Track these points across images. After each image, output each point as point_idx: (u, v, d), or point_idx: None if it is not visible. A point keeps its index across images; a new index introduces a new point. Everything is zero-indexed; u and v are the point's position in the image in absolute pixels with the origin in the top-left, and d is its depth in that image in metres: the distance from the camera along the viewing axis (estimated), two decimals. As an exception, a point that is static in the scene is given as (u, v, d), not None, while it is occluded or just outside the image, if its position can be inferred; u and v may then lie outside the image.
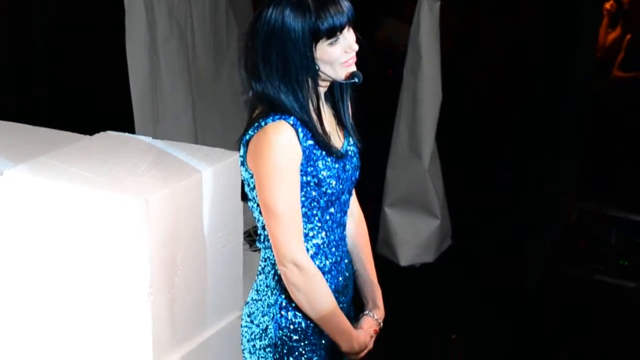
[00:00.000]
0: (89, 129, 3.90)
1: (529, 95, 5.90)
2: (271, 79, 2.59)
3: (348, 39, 2.62)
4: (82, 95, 6.39)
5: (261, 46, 2.58)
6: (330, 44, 2.58)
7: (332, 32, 2.57)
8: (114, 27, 5.40)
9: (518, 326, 5.17)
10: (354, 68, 2.67)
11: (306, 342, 2.73)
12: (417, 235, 5.78)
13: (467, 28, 7.74)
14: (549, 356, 4.97)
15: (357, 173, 2.82)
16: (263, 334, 2.73)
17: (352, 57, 2.65)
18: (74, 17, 6.37)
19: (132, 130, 5.14)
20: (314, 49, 2.58)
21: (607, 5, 6.94)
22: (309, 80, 2.61)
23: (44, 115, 5.84)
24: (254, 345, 2.76)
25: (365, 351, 2.84)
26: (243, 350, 2.82)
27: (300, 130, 2.59)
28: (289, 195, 2.59)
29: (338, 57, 2.61)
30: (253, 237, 4.94)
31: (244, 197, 2.73)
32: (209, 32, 5.99)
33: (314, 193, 2.66)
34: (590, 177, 5.95)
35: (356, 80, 2.68)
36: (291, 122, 2.58)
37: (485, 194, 6.41)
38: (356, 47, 2.64)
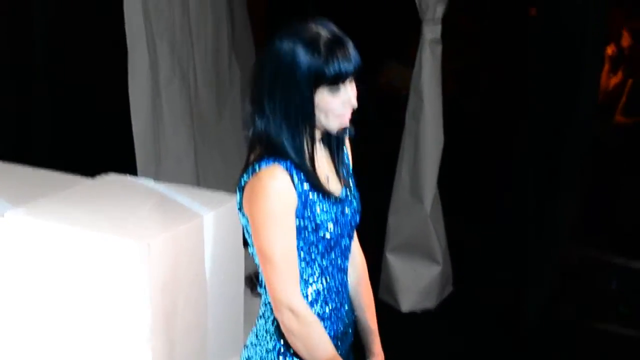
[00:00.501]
0: (91, 171, 3.91)
1: (529, 139, 5.91)
2: (274, 115, 2.56)
3: (349, 93, 2.59)
4: (84, 137, 6.39)
5: (268, 78, 2.56)
6: (331, 91, 2.55)
7: (336, 80, 2.54)
8: (116, 68, 5.40)
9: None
10: (347, 124, 2.64)
11: (301, 388, 2.71)
12: (419, 281, 5.76)
13: (469, 71, 7.78)
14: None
15: (358, 217, 2.80)
16: (261, 379, 2.72)
17: (348, 113, 2.62)
18: (77, 55, 6.39)
19: (134, 171, 5.15)
20: (313, 92, 2.55)
21: (609, 51, 6.98)
22: (305, 122, 2.58)
23: (44, 157, 5.84)
24: (251, 389, 2.75)
25: None
26: None
27: (294, 174, 2.57)
28: (285, 241, 2.58)
29: (334, 107, 2.58)
30: (254, 281, 4.93)
31: (245, 243, 2.72)
32: (211, 73, 6.01)
33: (312, 238, 2.64)
34: (591, 222, 5.95)
35: (346, 135, 2.68)
36: (284, 167, 2.56)
37: (486, 239, 6.40)
38: (355, 104, 2.61)
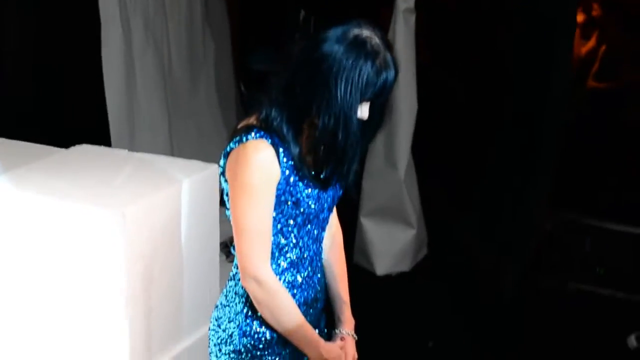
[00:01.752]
0: (65, 143, 3.91)
1: (504, 106, 5.93)
2: (288, 105, 2.57)
3: (364, 111, 2.58)
4: (57, 109, 6.37)
5: (307, 73, 2.52)
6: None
7: (378, 96, 2.55)
8: (89, 39, 5.39)
9: (494, 335, 5.19)
10: None
11: (270, 352, 2.75)
12: (393, 245, 5.81)
13: (442, 39, 7.78)
14: (525, 364, 5.00)
15: (341, 192, 2.81)
16: (229, 340, 2.75)
17: None
18: (50, 28, 6.35)
19: (108, 144, 5.15)
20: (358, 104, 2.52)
21: (580, 18, 6.99)
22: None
23: (18, 129, 5.81)
24: (220, 349, 2.78)
25: None
26: (210, 353, 2.84)
27: (281, 150, 2.59)
28: (260, 213, 2.60)
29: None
30: (229, 247, 4.95)
31: (222, 204, 2.74)
32: (185, 45, 6.00)
33: (291, 211, 2.67)
34: (565, 187, 5.98)
35: None
36: (271, 142, 2.58)
37: (461, 204, 6.43)
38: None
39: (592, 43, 7.04)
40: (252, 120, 2.64)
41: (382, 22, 7.43)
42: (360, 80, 2.48)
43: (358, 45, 2.49)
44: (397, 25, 5.53)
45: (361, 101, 2.52)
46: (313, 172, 2.67)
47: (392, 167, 5.72)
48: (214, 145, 5.92)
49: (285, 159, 2.60)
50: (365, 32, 2.52)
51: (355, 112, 2.52)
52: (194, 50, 6.13)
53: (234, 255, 2.76)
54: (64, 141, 3.97)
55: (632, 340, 5.04)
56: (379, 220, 5.81)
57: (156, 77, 5.59)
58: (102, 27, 5.19)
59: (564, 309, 5.49)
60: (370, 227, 5.82)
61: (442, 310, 5.41)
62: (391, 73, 2.53)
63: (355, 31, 2.52)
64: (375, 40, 2.52)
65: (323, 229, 2.82)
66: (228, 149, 2.64)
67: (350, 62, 2.48)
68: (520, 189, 5.63)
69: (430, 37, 7.41)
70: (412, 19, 5.53)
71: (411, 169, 5.79)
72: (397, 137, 5.66)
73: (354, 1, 7.32)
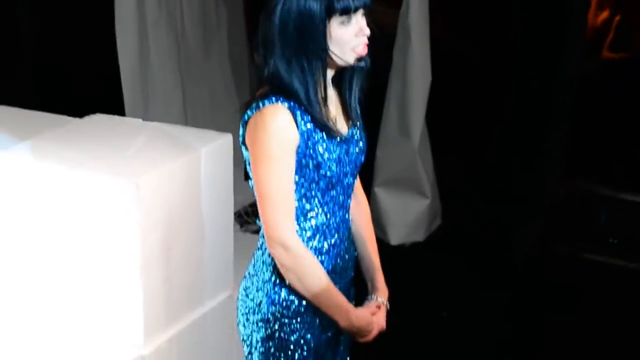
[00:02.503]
0: (79, 112, 3.91)
1: (517, 76, 5.91)
2: (285, 52, 2.59)
3: (360, 23, 2.63)
4: (71, 79, 6.37)
5: (279, 19, 2.58)
6: (342, 23, 2.59)
7: (346, 11, 2.58)
8: (103, 9, 5.38)
9: (508, 304, 5.20)
10: (363, 54, 2.67)
11: (298, 320, 2.74)
12: (407, 215, 5.80)
13: (456, 7, 7.74)
14: (539, 334, 5.00)
15: (362, 157, 2.82)
16: (257, 309, 2.75)
17: (363, 43, 2.65)
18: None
19: (122, 113, 5.15)
20: (327, 26, 2.58)
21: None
22: (318, 58, 2.60)
23: (31, 98, 5.83)
24: (247, 319, 2.78)
25: (375, 331, 2.85)
26: (238, 322, 2.84)
27: (298, 113, 2.60)
28: (281, 178, 2.61)
29: (348, 39, 2.61)
30: (244, 217, 4.97)
31: (247, 177, 2.74)
32: (198, 13, 5.98)
33: (313, 175, 2.67)
34: (579, 156, 5.97)
35: (363, 64, 2.69)
36: (287, 105, 2.58)
37: (474, 173, 6.42)
38: (367, 32, 2.64)
39: (606, 13, 6.99)
40: (266, 87, 2.65)
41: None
42: (307, 4, 2.56)
43: None
44: (411, -6, 5.51)
45: (331, 16, 2.57)
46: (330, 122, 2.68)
47: (406, 136, 5.71)
48: (227, 114, 5.91)
49: (303, 122, 2.61)
50: None
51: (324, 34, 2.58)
52: (207, 19, 6.10)
53: (250, 224, 2.77)
54: (78, 110, 3.97)
55: None
56: (393, 190, 5.80)
57: (169, 45, 5.58)
58: (115, -4, 5.18)
59: (576, 278, 5.49)
60: (384, 197, 5.81)
61: (456, 280, 5.41)
62: None
63: None
64: None
65: (348, 196, 2.82)
66: (246, 117, 2.65)
67: None
68: (533, 158, 5.62)
69: (443, 5, 7.38)
70: (426, -13, 5.51)
71: (425, 139, 5.77)
72: (411, 106, 5.64)
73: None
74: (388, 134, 5.77)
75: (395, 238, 5.80)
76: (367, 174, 5.70)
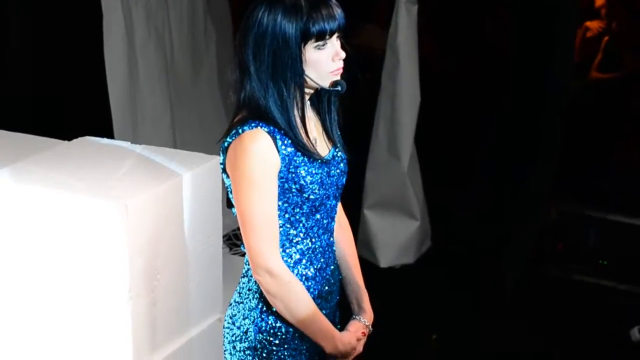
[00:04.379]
0: (67, 135, 3.90)
1: (506, 97, 5.93)
2: (261, 76, 2.60)
3: (336, 46, 2.64)
4: (59, 101, 6.36)
5: (252, 44, 2.59)
6: (318, 47, 2.59)
7: (321, 36, 2.58)
8: (92, 31, 5.37)
9: (498, 326, 5.19)
10: (338, 78, 2.68)
11: (286, 347, 2.73)
12: (397, 237, 5.80)
13: (444, 30, 7.77)
14: (528, 356, 4.99)
15: (344, 179, 2.82)
16: (243, 337, 2.74)
17: (338, 67, 2.66)
18: (52, 21, 6.34)
19: (110, 136, 5.14)
20: (302, 50, 2.58)
21: (583, 7, 6.97)
22: (295, 82, 2.61)
23: (20, 121, 5.81)
24: (234, 347, 2.77)
25: (355, 353, 2.84)
26: (224, 351, 2.83)
27: (278, 137, 2.60)
28: (263, 203, 2.60)
29: (324, 63, 2.62)
30: (233, 240, 4.95)
31: (230, 204, 2.73)
32: (186, 36, 5.99)
33: (296, 199, 2.66)
34: (569, 178, 5.98)
35: (339, 88, 2.69)
36: (267, 130, 2.58)
37: (464, 195, 6.42)
38: (343, 55, 2.65)
39: (595, 33, 7.02)
40: (244, 113, 2.65)
41: (380, 12, 7.46)
42: (282, 28, 2.56)
43: (281, 4, 2.59)
44: (400, 17, 5.52)
45: (307, 41, 2.58)
46: (310, 145, 2.68)
47: (395, 158, 5.71)
48: (216, 136, 5.87)
49: (283, 146, 2.61)
50: None
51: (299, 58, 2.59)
52: (196, 41, 6.11)
53: (239, 248, 2.76)
54: (67, 133, 3.96)
55: (635, 333, 5.03)
56: (383, 212, 5.80)
57: (158, 68, 5.58)
58: (104, 19, 5.17)
59: (567, 299, 5.49)
60: (373, 219, 5.81)
61: (446, 303, 5.41)
62: (327, 18, 2.59)
63: None
64: None
65: (332, 219, 2.82)
66: (225, 143, 2.65)
67: (274, 20, 2.57)
68: (522, 180, 5.63)
69: (432, 28, 7.40)
70: (414, 10, 5.53)
71: (414, 161, 5.78)
72: (400, 128, 5.65)
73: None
74: (377, 156, 5.77)
75: (385, 260, 5.80)
76: (356, 196, 5.72)
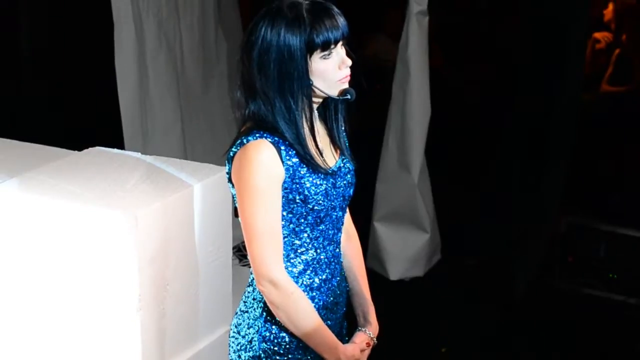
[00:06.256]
0: (78, 145, 3.90)
1: (516, 109, 5.92)
2: (267, 91, 2.59)
3: (341, 55, 2.63)
4: (70, 111, 6.38)
5: (257, 59, 2.59)
6: (324, 57, 2.59)
7: (326, 46, 2.58)
8: (103, 41, 5.38)
9: (507, 339, 5.17)
10: (347, 86, 2.68)
11: (290, 357, 2.73)
12: (407, 250, 5.78)
13: (455, 42, 7.78)
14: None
15: (351, 190, 2.81)
16: (248, 346, 2.74)
17: (346, 75, 2.66)
18: (63, 32, 6.37)
19: (121, 146, 5.14)
20: (308, 61, 2.58)
21: (593, 20, 6.98)
22: (303, 94, 2.61)
23: (31, 131, 5.83)
24: (239, 356, 2.77)
25: None
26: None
27: (283, 148, 2.60)
28: (267, 212, 2.60)
29: (331, 72, 2.62)
30: (242, 251, 4.95)
31: (237, 214, 2.73)
32: (197, 46, 6.00)
33: (301, 210, 2.66)
34: (579, 190, 5.97)
35: (348, 97, 2.69)
36: (271, 141, 2.58)
37: (474, 207, 6.42)
38: (349, 63, 2.65)
39: (603, 45, 7.03)
40: (249, 123, 2.65)
41: (390, 23, 7.48)
42: (286, 41, 2.56)
43: (284, 18, 2.59)
44: (410, 28, 5.50)
45: (312, 52, 2.58)
46: (317, 156, 2.67)
47: (405, 171, 5.70)
48: (226, 145, 5.90)
49: (287, 157, 2.61)
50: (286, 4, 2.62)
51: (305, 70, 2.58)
52: (207, 51, 6.12)
53: (247, 262, 2.75)
54: (77, 143, 3.97)
55: None
56: (393, 224, 5.79)
57: (169, 78, 5.59)
58: (114, 29, 5.18)
59: (576, 313, 5.47)
60: (383, 231, 5.79)
61: (455, 316, 5.39)
62: (331, 28, 2.59)
63: (278, 5, 2.63)
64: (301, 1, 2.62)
65: (338, 230, 2.81)
66: (231, 153, 2.65)
67: (278, 35, 2.57)
68: (532, 193, 5.62)
69: (443, 39, 7.41)
70: (425, 21, 5.51)
71: (425, 173, 5.76)
72: (411, 140, 5.63)
73: (362, 2, 7.32)
74: (388, 167, 5.76)
75: (395, 273, 5.79)
76: (366, 209, 5.71)
